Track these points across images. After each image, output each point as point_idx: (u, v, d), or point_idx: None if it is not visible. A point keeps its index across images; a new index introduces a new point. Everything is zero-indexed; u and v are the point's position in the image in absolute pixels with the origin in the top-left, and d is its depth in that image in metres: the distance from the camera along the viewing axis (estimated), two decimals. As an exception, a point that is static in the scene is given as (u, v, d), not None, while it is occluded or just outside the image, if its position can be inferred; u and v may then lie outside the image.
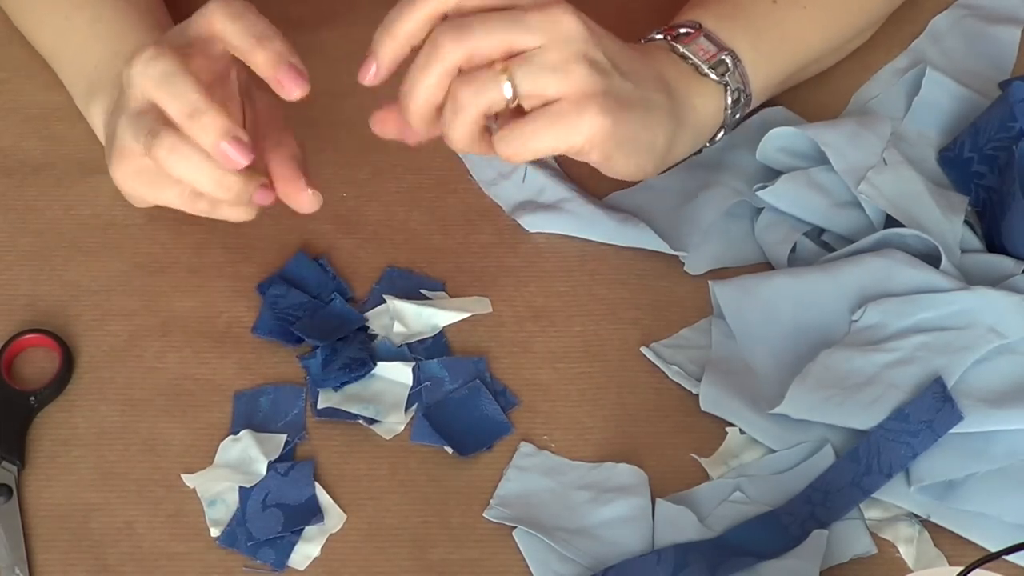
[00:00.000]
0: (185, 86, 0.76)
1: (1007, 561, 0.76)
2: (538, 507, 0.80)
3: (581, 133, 0.78)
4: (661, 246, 0.89)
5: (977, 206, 0.90)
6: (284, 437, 0.82)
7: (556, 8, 0.78)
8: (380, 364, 0.84)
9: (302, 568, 0.78)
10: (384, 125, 0.81)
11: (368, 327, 0.86)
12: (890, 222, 0.88)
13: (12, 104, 0.95)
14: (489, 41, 0.77)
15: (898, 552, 0.79)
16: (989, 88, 0.94)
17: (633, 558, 0.78)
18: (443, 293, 0.88)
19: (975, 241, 0.89)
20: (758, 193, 0.89)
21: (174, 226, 0.90)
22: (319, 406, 0.83)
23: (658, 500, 0.80)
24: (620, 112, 0.79)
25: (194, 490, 0.81)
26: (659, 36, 0.87)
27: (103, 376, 0.85)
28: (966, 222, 0.89)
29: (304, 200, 0.81)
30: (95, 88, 0.88)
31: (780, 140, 0.90)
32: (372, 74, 0.79)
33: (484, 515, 0.80)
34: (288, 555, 0.79)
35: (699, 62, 0.86)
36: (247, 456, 0.81)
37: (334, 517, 0.80)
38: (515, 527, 0.79)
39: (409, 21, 0.78)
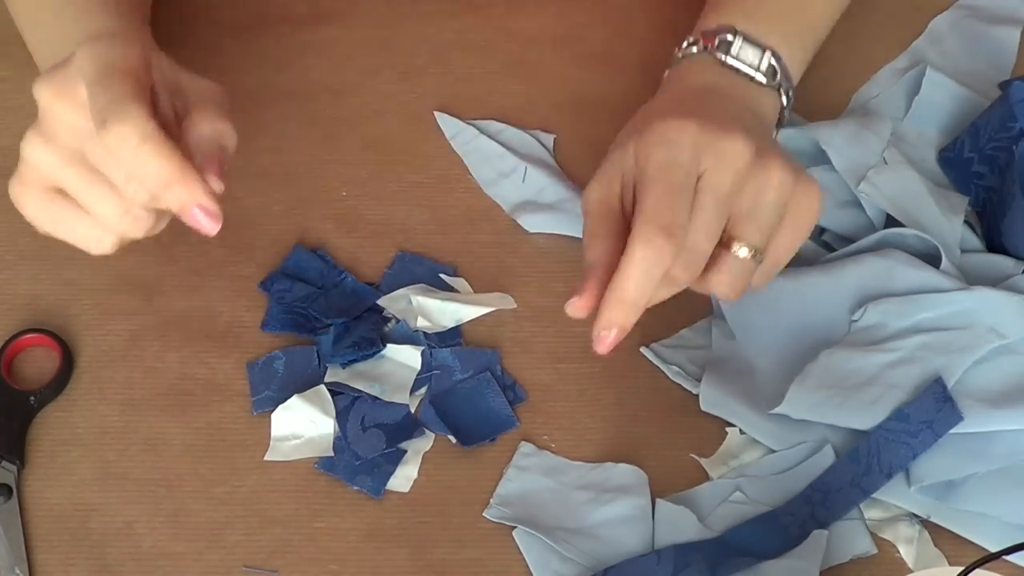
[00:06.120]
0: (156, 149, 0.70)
1: (1007, 561, 0.76)
2: (538, 507, 0.80)
3: (818, 209, 0.79)
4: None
5: (977, 206, 0.90)
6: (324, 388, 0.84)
7: (718, 163, 0.76)
8: (390, 346, 0.85)
9: (406, 490, 0.80)
10: (583, 313, 0.77)
11: (384, 309, 0.87)
12: (890, 222, 0.88)
13: (12, 104, 0.95)
14: (712, 245, 0.76)
15: (898, 552, 0.79)
16: (989, 88, 0.94)
17: (633, 558, 0.78)
18: (462, 280, 0.89)
19: (975, 241, 0.89)
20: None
21: (174, 225, 0.90)
22: (326, 379, 0.84)
23: (658, 500, 0.80)
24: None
25: (194, 490, 0.81)
26: (696, 49, 0.85)
27: (103, 376, 0.85)
28: (966, 222, 0.89)
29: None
30: None
31: (780, 140, 0.89)
32: (613, 341, 0.75)
33: (484, 515, 0.80)
34: (385, 481, 0.81)
35: (752, 72, 0.84)
36: (309, 421, 0.82)
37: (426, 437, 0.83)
38: (515, 527, 0.80)
39: (649, 287, 0.74)
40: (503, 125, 0.95)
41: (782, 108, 0.86)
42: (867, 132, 0.89)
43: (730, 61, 0.84)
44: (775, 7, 0.88)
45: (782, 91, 0.85)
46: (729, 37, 0.85)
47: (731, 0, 0.88)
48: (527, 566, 0.79)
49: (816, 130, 0.89)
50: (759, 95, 0.84)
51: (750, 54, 0.84)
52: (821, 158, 0.89)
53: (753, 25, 0.86)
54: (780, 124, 0.87)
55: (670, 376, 0.85)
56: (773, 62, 0.85)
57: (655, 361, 0.85)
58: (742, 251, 0.77)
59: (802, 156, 0.90)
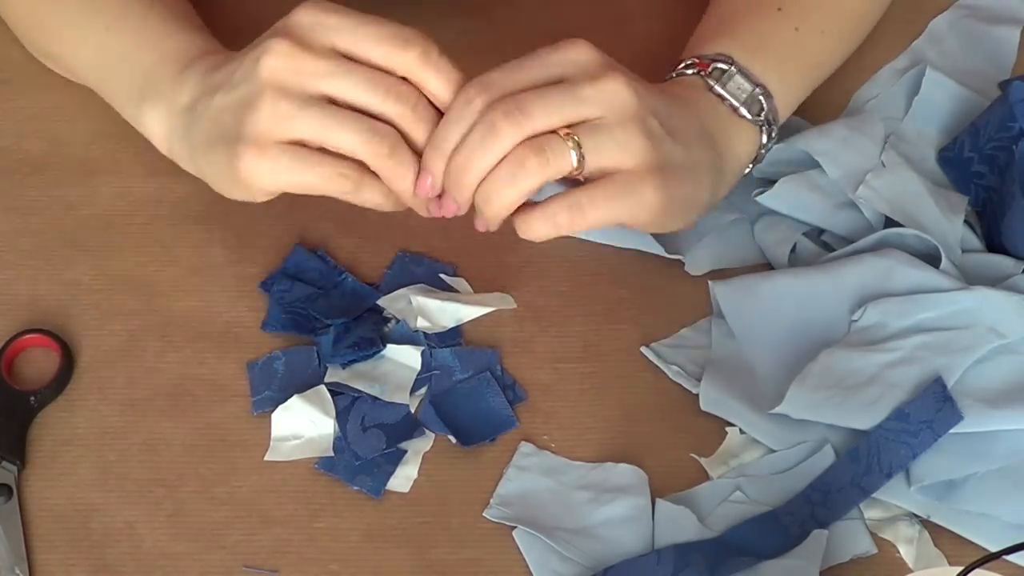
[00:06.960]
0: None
1: (1007, 561, 0.76)
2: (538, 507, 0.80)
3: (640, 207, 0.79)
4: (657, 249, 0.88)
5: (977, 206, 0.90)
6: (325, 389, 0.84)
7: (609, 79, 0.78)
8: (390, 346, 0.85)
9: (406, 490, 0.80)
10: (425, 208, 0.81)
11: (384, 309, 0.87)
12: (889, 223, 0.88)
13: (12, 104, 0.95)
14: (548, 121, 0.77)
15: (898, 552, 0.79)
16: (989, 88, 0.94)
17: (633, 558, 0.78)
18: (462, 280, 0.89)
19: (975, 241, 0.89)
20: (757, 198, 0.89)
21: (174, 226, 0.90)
22: (326, 380, 0.84)
23: (658, 500, 0.80)
24: (674, 182, 0.80)
25: (194, 490, 0.81)
26: (691, 72, 0.86)
27: (103, 376, 0.85)
28: (966, 222, 0.89)
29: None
30: (147, 94, 0.85)
31: (773, 153, 0.89)
32: (429, 186, 0.79)
33: (484, 515, 0.80)
34: (385, 481, 0.81)
35: (737, 104, 0.85)
36: (309, 421, 0.82)
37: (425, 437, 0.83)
38: (515, 527, 0.80)
39: (456, 140, 0.78)
40: (503, 125, 0.95)
41: (761, 145, 0.86)
42: (859, 135, 0.89)
43: (718, 89, 0.85)
44: (779, 46, 0.88)
45: (763, 129, 0.86)
46: (723, 66, 0.85)
47: (737, 29, 0.88)
48: (527, 566, 0.78)
49: (805, 141, 0.88)
50: (737, 128, 0.85)
51: (741, 88, 0.85)
52: (815, 161, 0.88)
53: (753, 61, 0.86)
54: (756, 161, 0.87)
55: (670, 376, 0.85)
56: (762, 99, 0.85)
57: (655, 361, 0.85)
58: (567, 140, 0.77)
59: (795, 163, 0.90)
